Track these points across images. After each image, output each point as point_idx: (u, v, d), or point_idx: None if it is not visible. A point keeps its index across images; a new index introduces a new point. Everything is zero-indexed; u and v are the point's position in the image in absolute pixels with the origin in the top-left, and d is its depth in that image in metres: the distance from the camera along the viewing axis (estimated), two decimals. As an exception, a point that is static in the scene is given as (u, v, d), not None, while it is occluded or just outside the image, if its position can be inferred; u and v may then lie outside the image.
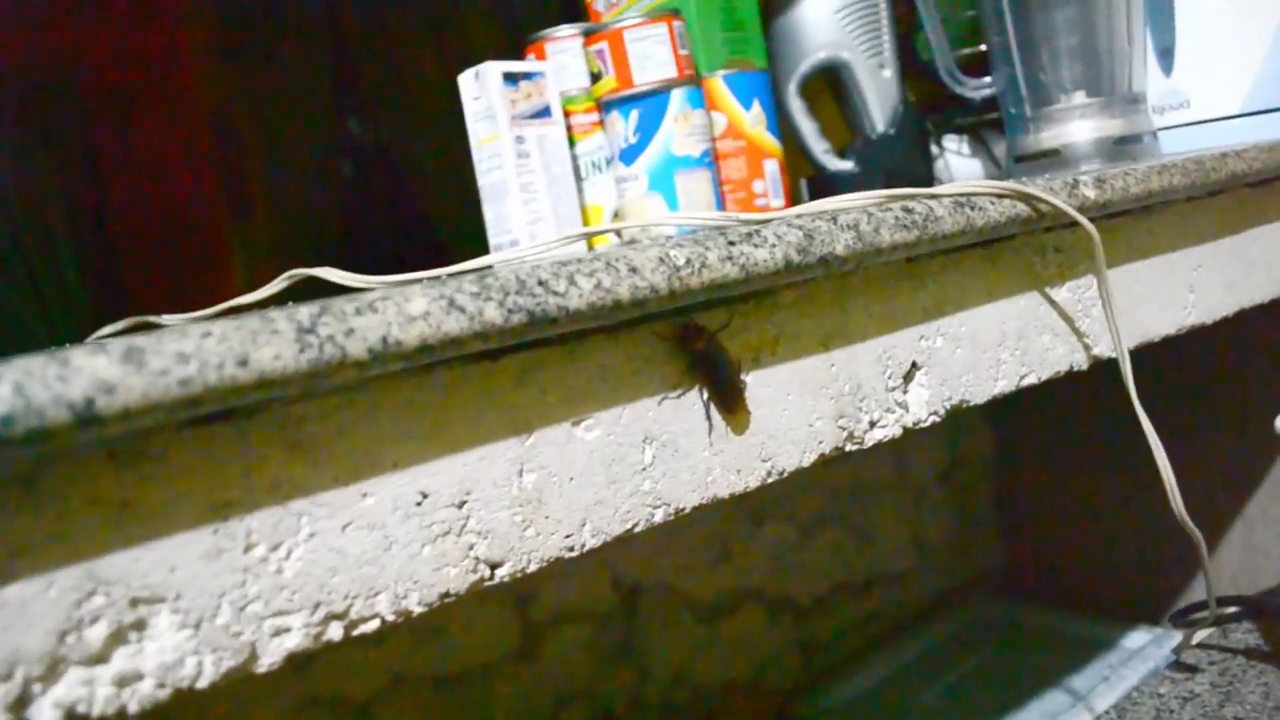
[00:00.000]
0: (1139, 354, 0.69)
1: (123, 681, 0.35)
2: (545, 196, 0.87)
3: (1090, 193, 0.60)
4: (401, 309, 0.37)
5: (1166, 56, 1.01)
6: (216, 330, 0.34)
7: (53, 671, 0.34)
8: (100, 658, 0.35)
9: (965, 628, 1.27)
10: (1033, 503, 1.37)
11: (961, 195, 0.54)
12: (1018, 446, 1.38)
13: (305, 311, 0.35)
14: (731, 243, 0.45)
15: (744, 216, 0.50)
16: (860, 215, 0.50)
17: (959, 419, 1.35)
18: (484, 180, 0.88)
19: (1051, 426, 1.31)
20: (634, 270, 0.42)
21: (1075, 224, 0.60)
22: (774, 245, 0.46)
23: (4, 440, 0.30)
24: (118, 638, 0.35)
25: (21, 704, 0.34)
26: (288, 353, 0.34)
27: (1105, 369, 0.67)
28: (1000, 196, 0.55)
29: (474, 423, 0.42)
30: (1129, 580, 1.26)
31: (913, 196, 0.53)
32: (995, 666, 1.18)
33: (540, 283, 0.40)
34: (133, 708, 0.35)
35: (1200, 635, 1.03)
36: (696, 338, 0.46)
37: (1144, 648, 1.12)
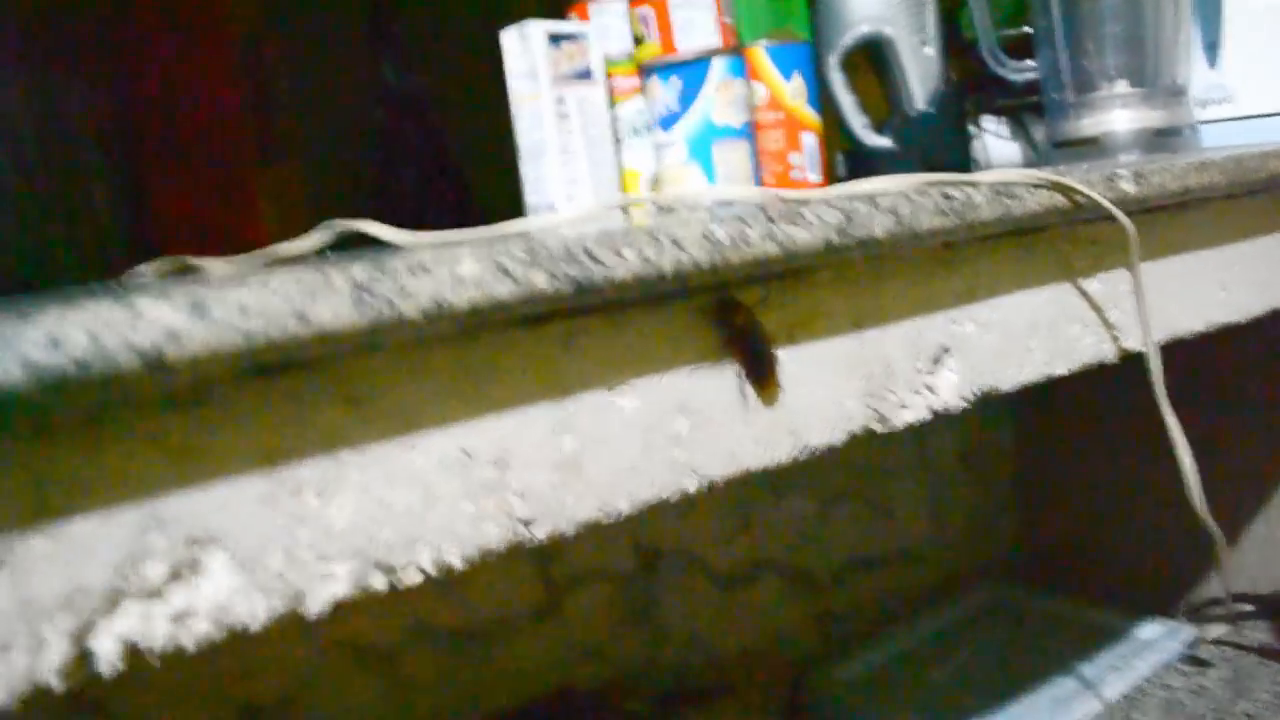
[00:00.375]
0: (1166, 348, 0.70)
1: (178, 618, 0.37)
2: (583, 159, 0.88)
3: (1129, 187, 0.61)
4: (453, 271, 0.38)
5: (1213, 49, 1.00)
6: (275, 283, 0.35)
7: (112, 604, 0.36)
8: (158, 594, 0.37)
9: (979, 609, 1.28)
10: (1052, 489, 1.38)
11: (1000, 184, 0.54)
12: (1039, 433, 1.38)
13: (360, 270, 0.37)
14: (772, 221, 0.46)
15: (785, 194, 0.51)
16: (900, 199, 0.50)
17: (981, 403, 1.36)
18: (523, 140, 0.89)
19: (1073, 415, 1.32)
20: (677, 244, 0.43)
21: (1111, 217, 0.61)
22: (814, 226, 0.47)
23: (77, 383, 0.32)
24: (175, 575, 0.37)
25: (83, 634, 0.36)
26: (345, 310, 0.36)
27: (1131, 362, 0.68)
28: (1038, 187, 0.56)
29: (517, 385, 0.43)
30: (1144, 571, 1.27)
31: (953, 183, 0.53)
32: (1006, 649, 1.20)
33: (587, 252, 0.41)
34: (188, 645, 0.37)
35: (1215, 631, 1.04)
36: (735, 312, 0.47)
37: (1157, 639, 1.13)
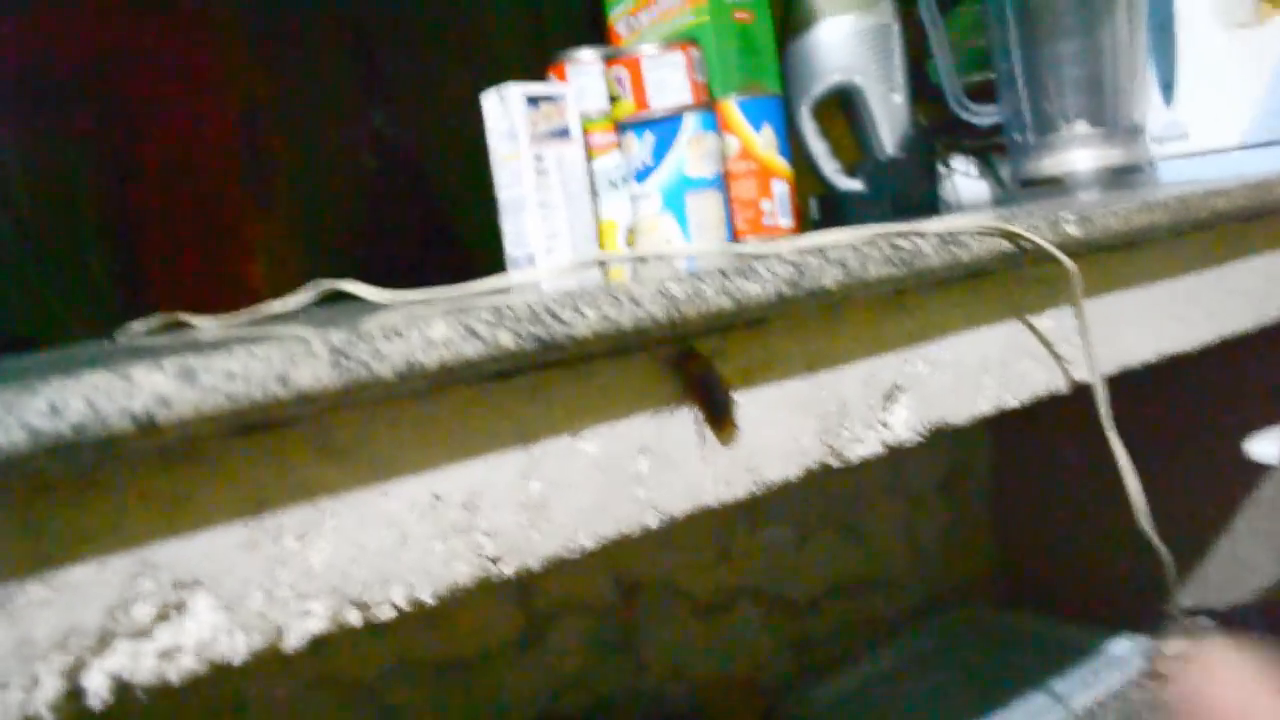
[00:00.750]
0: (1128, 377, 0.73)
1: (165, 655, 0.40)
2: (562, 213, 0.91)
3: (1074, 231, 0.64)
4: (424, 335, 0.41)
5: (1168, 89, 1.04)
6: (260, 351, 0.38)
7: (104, 644, 0.39)
8: (146, 633, 0.39)
9: (956, 631, 1.31)
10: (1028, 512, 1.41)
11: (948, 233, 0.58)
12: (1016, 458, 1.41)
13: (338, 336, 0.40)
14: (726, 277, 0.49)
15: (742, 248, 0.54)
16: (848, 252, 0.54)
17: (959, 431, 1.39)
18: (503, 195, 0.92)
19: (1049, 441, 1.35)
20: (636, 302, 0.46)
21: (1059, 259, 0.64)
22: (766, 280, 0.50)
23: (75, 445, 0.34)
24: (162, 616, 0.40)
25: (76, 671, 0.38)
26: (324, 373, 0.39)
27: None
28: (984, 234, 0.59)
29: (485, 434, 0.46)
30: (1119, 589, 1.30)
31: (901, 234, 0.56)
32: (982, 668, 1.22)
33: (550, 312, 0.44)
34: (173, 678, 0.40)
35: (1175, 646, 1.07)
36: (692, 361, 0.50)
37: (1126, 655, 1.16)
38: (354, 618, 0.44)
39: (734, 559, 1.20)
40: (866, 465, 1.32)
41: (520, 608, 1.06)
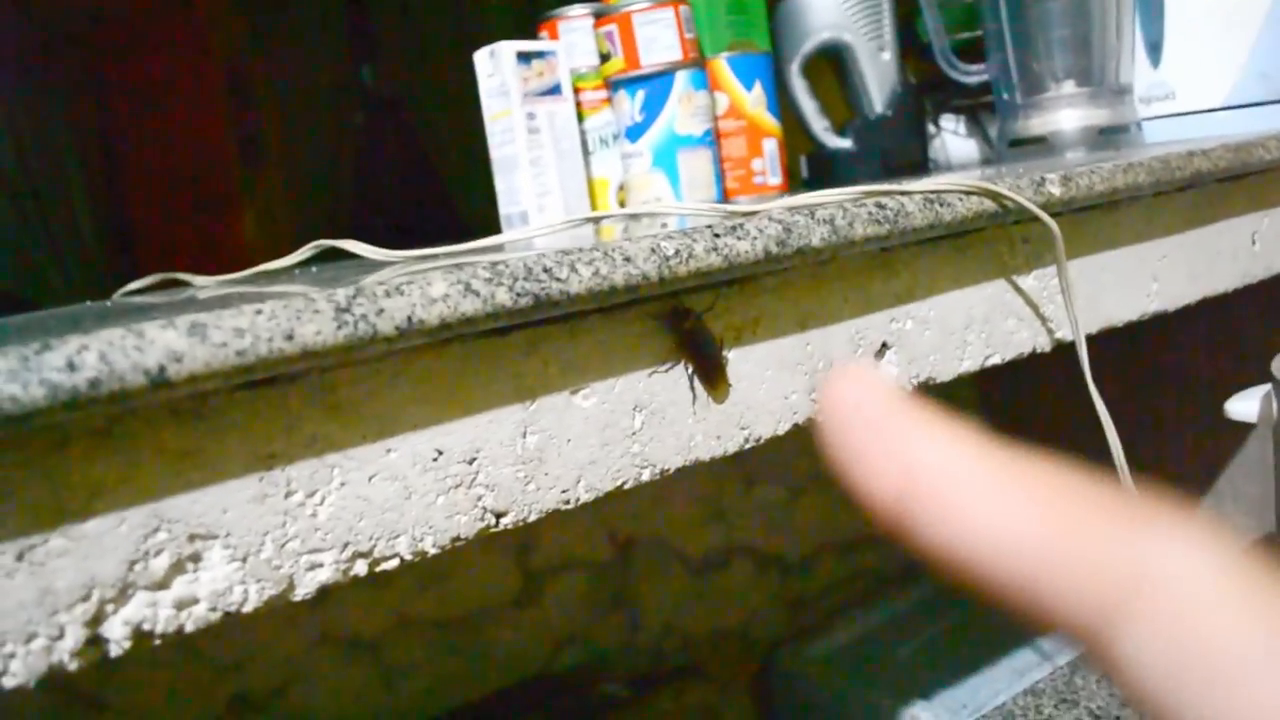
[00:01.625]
0: (1112, 339, 0.75)
1: (181, 605, 0.41)
2: (554, 171, 0.92)
3: (1056, 190, 0.65)
4: (424, 292, 0.42)
5: (1155, 49, 1.05)
6: (266, 308, 0.40)
7: (123, 594, 0.40)
8: (163, 584, 0.41)
9: (945, 589, 1.33)
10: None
11: (932, 193, 0.59)
12: (1004, 417, 1.43)
13: (341, 293, 0.41)
14: (717, 235, 0.50)
15: (731, 208, 0.55)
16: (836, 210, 0.55)
17: (951, 395, 1.41)
18: (496, 154, 0.93)
19: (1037, 399, 1.37)
20: (628, 259, 0.47)
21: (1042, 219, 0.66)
22: (755, 238, 0.51)
23: (90, 400, 0.36)
24: (178, 568, 0.41)
25: (97, 621, 0.40)
26: (328, 329, 0.40)
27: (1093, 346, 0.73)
28: (968, 194, 0.61)
29: (484, 390, 0.47)
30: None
31: (887, 193, 0.58)
32: (971, 625, 1.25)
33: (545, 270, 0.45)
34: (189, 627, 0.42)
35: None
36: (684, 318, 0.52)
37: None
38: (361, 569, 0.45)
39: (727, 518, 1.22)
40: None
41: (518, 566, 1.08)
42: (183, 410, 0.41)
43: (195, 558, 0.42)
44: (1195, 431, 1.23)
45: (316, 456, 0.44)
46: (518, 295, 0.44)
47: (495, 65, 0.91)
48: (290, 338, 0.39)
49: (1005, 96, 1.07)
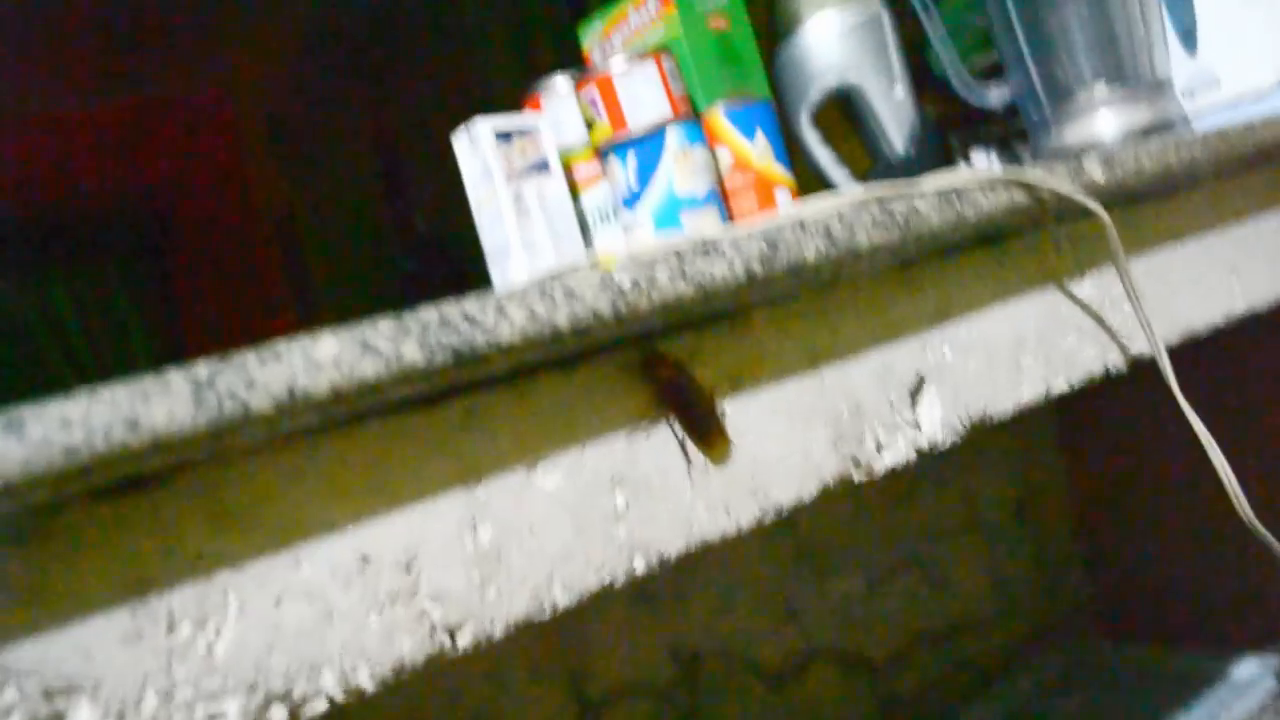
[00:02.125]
0: (1201, 347, 0.64)
1: (39, 784, 0.32)
2: (550, 253, 0.85)
3: (1098, 174, 0.56)
4: (308, 355, 0.34)
5: (1189, 36, 0.96)
6: (105, 392, 0.32)
7: (-40, 778, 0.32)
8: (14, 759, 0.32)
9: (1057, 672, 1.18)
10: (1118, 529, 1.28)
11: (948, 188, 0.50)
12: (1095, 469, 1.29)
13: (203, 366, 0.33)
14: (682, 259, 0.42)
15: (705, 235, 0.47)
16: (831, 218, 0.46)
17: (1029, 448, 1.28)
18: (487, 242, 0.86)
19: (1131, 443, 1.23)
20: (572, 295, 0.39)
21: (1088, 211, 0.56)
22: (732, 259, 0.43)
23: None
24: (31, 736, 0.33)
25: (-67, 817, 0.31)
26: (182, 411, 0.32)
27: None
28: (992, 186, 0.51)
29: (417, 475, 0.39)
30: (1233, 604, 1.17)
31: (893, 193, 0.49)
32: (1094, 711, 1.09)
33: (465, 316, 0.37)
34: (53, 813, 0.33)
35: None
36: (659, 366, 0.43)
37: (1256, 678, 1.02)
38: (279, 715, 0.36)
39: (801, 618, 1.10)
40: (933, 499, 1.21)
41: (571, 697, 0.97)
42: (25, 532, 0.33)
43: (56, 719, 0.33)
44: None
45: (204, 578, 0.35)
46: (432, 351, 0.36)
47: (474, 147, 0.85)
48: (134, 426, 0.31)
49: (1034, 114, 0.98)
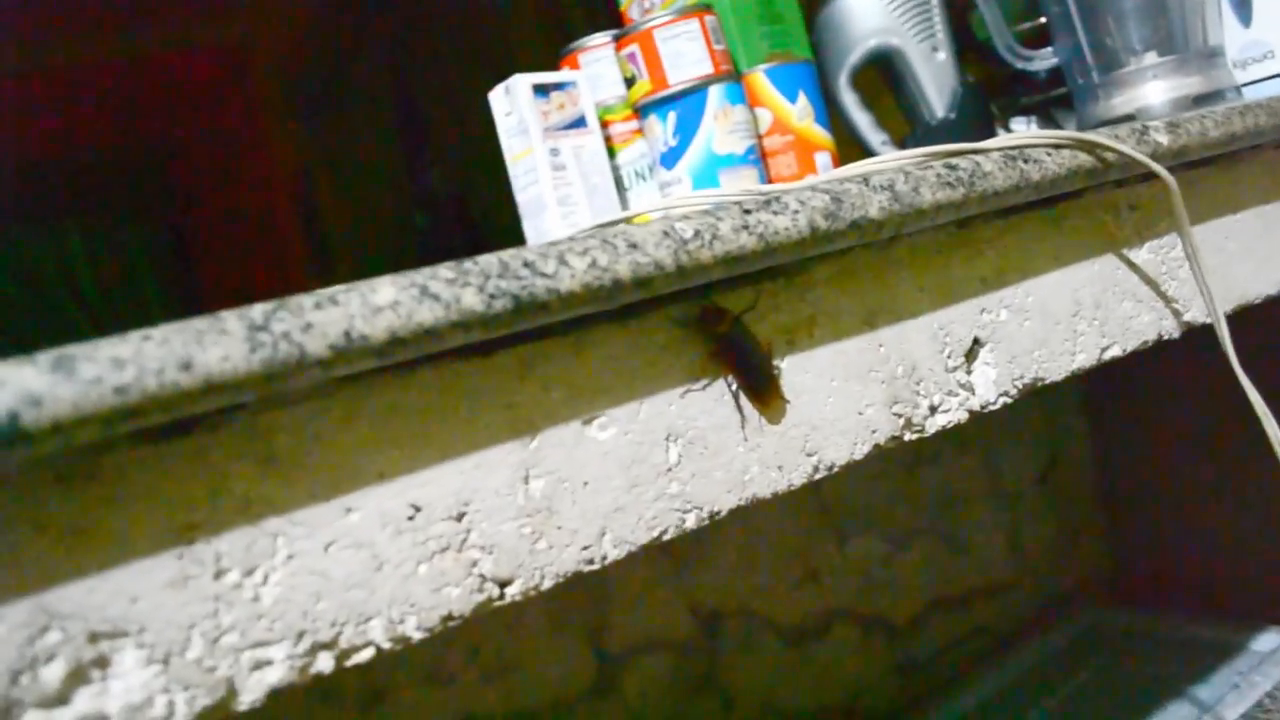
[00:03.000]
0: (1241, 317, 0.62)
1: (86, 727, 0.32)
2: (585, 209, 0.83)
3: (1163, 138, 0.54)
4: (366, 300, 0.33)
5: (1244, 6, 0.93)
6: (158, 333, 0.31)
7: (6, 716, 0.31)
8: (60, 699, 0.32)
9: (1074, 639, 1.18)
10: (1140, 499, 1.27)
11: (1013, 148, 0.48)
12: (1120, 439, 1.28)
13: (259, 308, 0.32)
14: (747, 211, 0.40)
15: (767, 188, 0.45)
16: (896, 175, 0.45)
17: (1054, 415, 1.27)
18: (521, 196, 0.85)
19: (1156, 413, 1.22)
20: (634, 246, 0.38)
21: (1149, 176, 0.54)
22: (796, 212, 0.41)
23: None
24: (78, 677, 0.32)
25: (-22, 757, 0.31)
26: (238, 353, 0.31)
27: (1204, 340, 0.61)
28: (1058, 147, 0.50)
29: (469, 425, 0.38)
30: (1254, 576, 1.16)
31: (958, 152, 0.47)
32: (1109, 679, 1.09)
33: (526, 264, 0.36)
34: (100, 756, 0.32)
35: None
36: (717, 321, 0.42)
37: (1276, 650, 1.02)
38: (326, 664, 0.35)
39: (821, 579, 1.09)
40: (955, 465, 1.20)
41: (592, 650, 0.97)
42: (70, 474, 0.32)
43: (101, 662, 0.32)
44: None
45: (252, 524, 0.34)
46: (491, 297, 0.35)
47: (511, 102, 0.83)
48: (188, 367, 0.30)
49: (1080, 80, 0.96)
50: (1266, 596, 1.14)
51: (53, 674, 0.31)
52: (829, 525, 1.11)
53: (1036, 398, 1.22)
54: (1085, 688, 1.09)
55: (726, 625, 1.04)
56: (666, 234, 0.38)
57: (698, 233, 0.39)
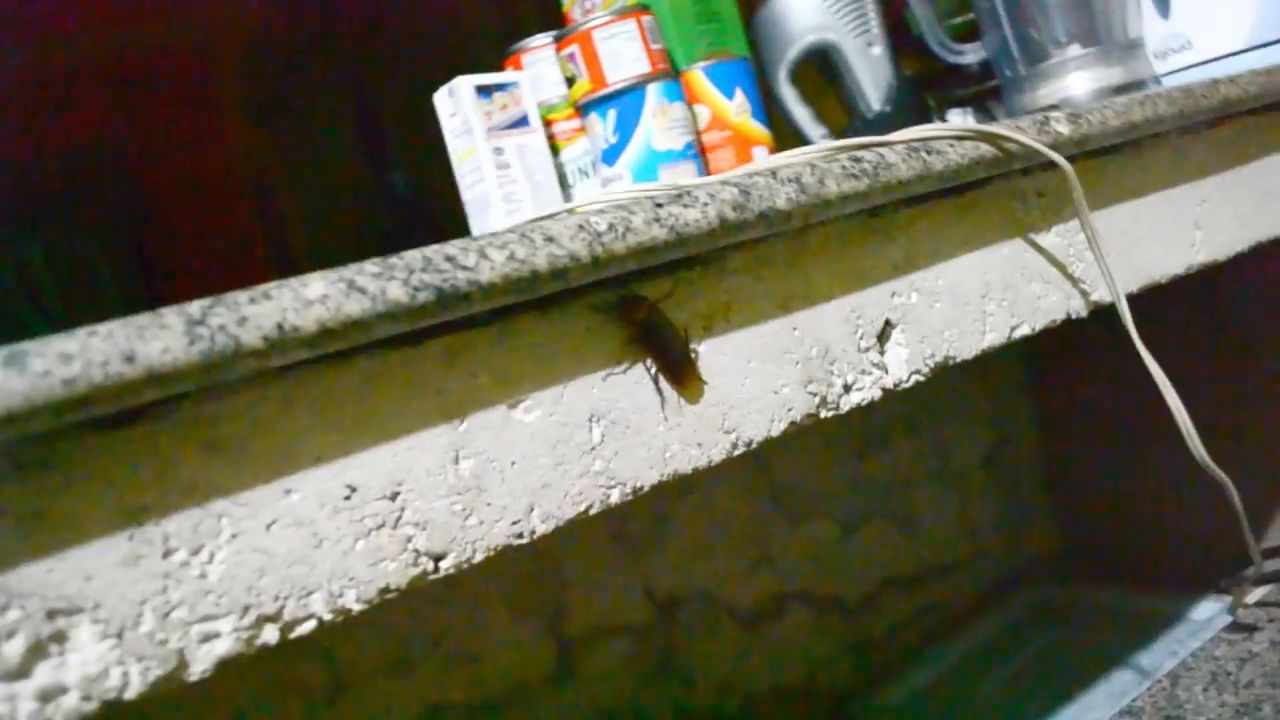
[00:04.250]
0: (1165, 298, 0.66)
1: (45, 696, 0.34)
2: (529, 206, 0.86)
3: (1064, 128, 0.58)
4: (298, 294, 0.36)
5: (1162, 0, 0.97)
6: (102, 328, 0.33)
7: (-30, 690, 0.33)
8: (21, 672, 0.34)
9: (1024, 614, 1.22)
10: (1084, 478, 1.32)
11: (916, 140, 0.52)
12: (1063, 420, 1.33)
13: (197, 303, 0.35)
14: (659, 205, 0.43)
15: (683, 183, 0.48)
16: (803, 168, 0.48)
17: (999, 399, 1.31)
18: (467, 195, 0.88)
19: (1098, 393, 1.26)
20: (550, 239, 0.40)
21: (1054, 164, 0.58)
22: (705, 204, 0.44)
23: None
24: (37, 651, 0.34)
25: (-56, 727, 0.33)
26: (177, 345, 0.34)
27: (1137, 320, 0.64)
28: (961, 138, 0.53)
29: (401, 410, 0.40)
30: (1194, 547, 1.20)
31: (864, 145, 0.50)
32: (1058, 651, 1.13)
33: (448, 258, 0.38)
34: (59, 723, 0.35)
35: (1257, 593, 0.98)
36: (635, 308, 0.45)
37: (1214, 617, 1.06)
38: (271, 635, 0.38)
39: (775, 562, 1.13)
40: (905, 448, 1.24)
41: (551, 636, 1.00)
42: (25, 461, 0.34)
43: (58, 637, 0.35)
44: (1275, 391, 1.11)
45: (198, 505, 0.37)
46: (415, 289, 0.38)
47: (456, 104, 0.86)
48: (130, 359, 0.33)
49: (1008, 72, 1.00)
50: (1206, 566, 1.18)
51: (13, 649, 0.34)
52: (781, 510, 1.14)
53: (982, 382, 1.26)
54: (1035, 660, 1.13)
55: (683, 610, 1.07)
56: (581, 227, 0.41)
57: (611, 225, 0.42)
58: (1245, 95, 0.69)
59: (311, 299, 0.36)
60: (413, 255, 0.38)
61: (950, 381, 0.62)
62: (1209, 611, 1.08)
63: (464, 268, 0.38)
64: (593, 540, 0.97)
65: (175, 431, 0.37)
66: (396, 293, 0.37)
